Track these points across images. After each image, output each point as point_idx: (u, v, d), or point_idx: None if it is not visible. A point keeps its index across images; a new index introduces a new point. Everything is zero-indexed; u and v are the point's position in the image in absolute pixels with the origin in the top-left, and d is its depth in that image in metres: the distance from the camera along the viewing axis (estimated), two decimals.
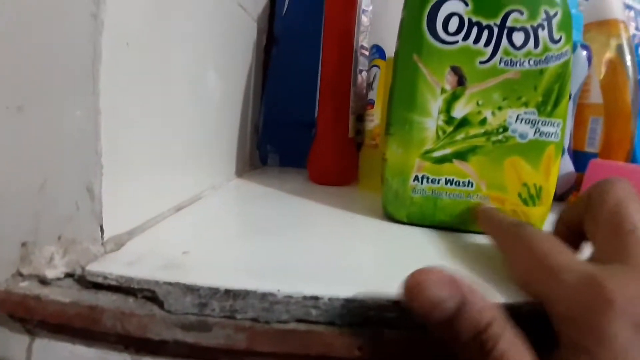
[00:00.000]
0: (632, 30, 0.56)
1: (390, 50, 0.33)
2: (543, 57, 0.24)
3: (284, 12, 0.45)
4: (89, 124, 0.17)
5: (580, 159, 0.41)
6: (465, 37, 0.24)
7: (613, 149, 0.42)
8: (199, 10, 0.27)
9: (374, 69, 0.36)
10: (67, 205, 0.18)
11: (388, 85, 0.28)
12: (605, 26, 0.43)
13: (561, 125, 0.25)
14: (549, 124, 0.25)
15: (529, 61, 0.24)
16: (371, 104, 0.37)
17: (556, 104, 0.25)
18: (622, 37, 0.42)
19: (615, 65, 0.42)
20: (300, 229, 0.24)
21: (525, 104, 0.25)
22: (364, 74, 0.45)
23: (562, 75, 0.25)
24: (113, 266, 0.17)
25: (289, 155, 0.47)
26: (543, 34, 0.24)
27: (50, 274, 0.17)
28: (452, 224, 0.26)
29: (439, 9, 0.24)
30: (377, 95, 0.36)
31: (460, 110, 0.25)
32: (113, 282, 0.16)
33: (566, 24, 0.24)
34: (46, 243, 0.18)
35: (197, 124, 0.29)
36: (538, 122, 0.25)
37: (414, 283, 0.14)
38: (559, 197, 0.40)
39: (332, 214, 0.28)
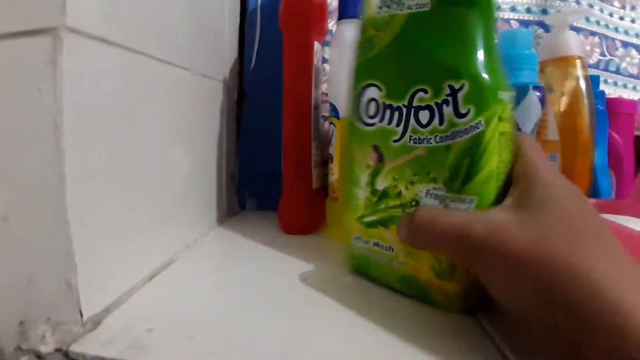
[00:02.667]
0: (597, 57, 0.58)
1: (343, 110, 0.36)
2: (449, 133, 0.24)
3: (252, 66, 0.49)
4: (62, 233, 0.21)
5: None
6: (381, 119, 0.27)
7: (574, 182, 0.44)
8: (164, 97, 0.31)
9: (332, 126, 0.38)
10: (51, 295, 0.22)
11: (342, 143, 0.31)
12: (562, 62, 0.44)
13: (475, 202, 0.23)
14: (458, 201, 0.24)
15: (435, 138, 0.24)
16: (331, 158, 0.39)
17: (466, 180, 0.23)
18: (579, 72, 0.44)
19: (573, 100, 0.44)
20: (256, 298, 0.27)
21: (434, 180, 0.25)
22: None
23: (472, 150, 0.23)
24: (90, 346, 0.21)
25: (265, 200, 0.50)
26: (448, 110, 0.24)
27: (43, 349, 0.21)
28: (382, 282, 0.29)
29: (363, 95, 0.28)
30: (335, 151, 0.38)
31: (381, 183, 0.28)
32: None
33: (475, 95, 0.23)
34: (39, 323, 0.22)
35: (166, 192, 0.32)
36: (446, 199, 0.24)
37: None
38: None
39: (290, 272, 0.32)
